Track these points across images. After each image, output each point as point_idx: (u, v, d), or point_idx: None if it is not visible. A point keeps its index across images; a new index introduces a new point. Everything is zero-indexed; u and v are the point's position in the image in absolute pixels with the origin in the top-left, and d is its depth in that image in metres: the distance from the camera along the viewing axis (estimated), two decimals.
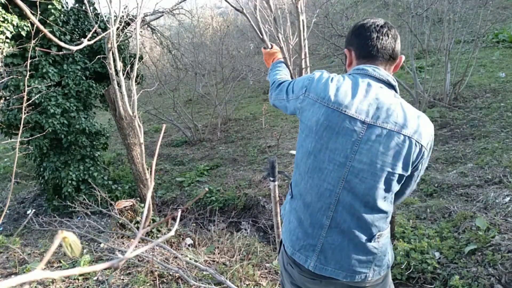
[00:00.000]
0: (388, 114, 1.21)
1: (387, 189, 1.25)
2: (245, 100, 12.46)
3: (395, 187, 1.27)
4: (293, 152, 6.63)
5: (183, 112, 9.86)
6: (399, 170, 1.23)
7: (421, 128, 1.22)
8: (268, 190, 5.24)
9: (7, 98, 6.01)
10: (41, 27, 0.72)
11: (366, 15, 13.55)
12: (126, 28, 5.93)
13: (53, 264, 3.29)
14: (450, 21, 7.20)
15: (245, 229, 4.83)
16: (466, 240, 3.03)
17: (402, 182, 1.28)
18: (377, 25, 1.29)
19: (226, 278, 2.87)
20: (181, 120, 10.08)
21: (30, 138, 5.66)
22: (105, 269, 3.05)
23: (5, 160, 10.27)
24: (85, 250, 3.49)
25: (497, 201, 3.54)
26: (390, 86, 1.28)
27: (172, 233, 0.69)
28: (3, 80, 5.26)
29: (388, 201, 1.28)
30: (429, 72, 8.00)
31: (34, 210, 6.76)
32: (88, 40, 1.01)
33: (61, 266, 3.24)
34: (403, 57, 1.35)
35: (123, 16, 4.90)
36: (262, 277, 3.05)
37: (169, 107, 11.56)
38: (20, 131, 2.67)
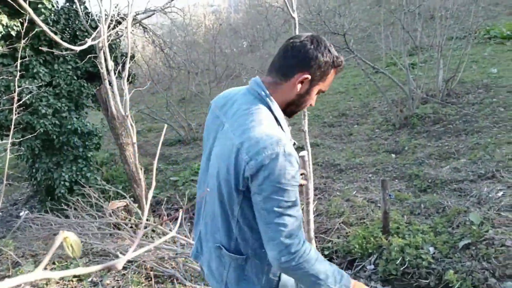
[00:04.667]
0: (233, 113, 1.12)
1: (223, 206, 1.12)
2: None
3: (234, 205, 1.08)
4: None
5: (176, 111, 9.82)
6: (231, 178, 1.05)
7: (254, 138, 1.01)
8: None
9: None
10: (44, 27, 0.70)
11: (359, 13, 13.56)
12: (117, 26, 5.87)
13: (46, 266, 3.26)
14: (442, 18, 7.23)
15: None
16: (460, 235, 3.04)
17: (241, 203, 1.07)
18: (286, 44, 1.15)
19: None
20: (175, 119, 10.03)
21: (22, 139, 5.60)
22: (104, 269, 3.03)
23: None
24: None
25: (490, 195, 3.57)
26: (258, 95, 1.12)
27: (172, 233, 0.68)
28: None
29: (235, 235, 1.13)
30: (422, 69, 8.03)
31: (27, 212, 6.69)
32: (83, 41, 0.98)
33: (54, 268, 3.20)
34: (306, 76, 1.10)
35: (114, 14, 4.85)
36: None
37: (162, 106, 11.51)
38: (11, 132, 2.62)
